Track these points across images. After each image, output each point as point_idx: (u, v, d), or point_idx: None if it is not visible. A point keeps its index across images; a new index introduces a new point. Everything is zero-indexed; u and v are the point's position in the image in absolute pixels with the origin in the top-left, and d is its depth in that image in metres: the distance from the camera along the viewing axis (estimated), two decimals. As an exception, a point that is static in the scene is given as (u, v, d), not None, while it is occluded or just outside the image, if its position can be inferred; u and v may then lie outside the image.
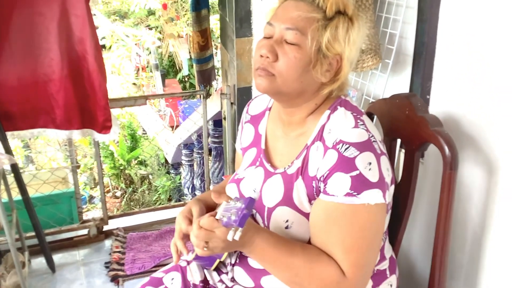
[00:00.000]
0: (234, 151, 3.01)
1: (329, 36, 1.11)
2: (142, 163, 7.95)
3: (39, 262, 2.58)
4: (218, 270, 1.35)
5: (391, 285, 1.27)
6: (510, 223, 1.27)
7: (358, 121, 1.13)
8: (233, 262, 1.28)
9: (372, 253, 1.13)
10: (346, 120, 1.14)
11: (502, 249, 1.30)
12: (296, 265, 1.10)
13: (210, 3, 3.53)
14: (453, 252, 1.43)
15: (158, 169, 7.73)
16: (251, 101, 1.42)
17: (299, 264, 1.10)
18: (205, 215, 1.09)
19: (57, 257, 2.63)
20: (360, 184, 1.06)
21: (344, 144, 1.09)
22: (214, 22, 7.84)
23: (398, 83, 1.64)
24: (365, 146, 1.09)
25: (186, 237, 1.21)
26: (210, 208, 1.23)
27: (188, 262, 1.37)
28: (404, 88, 1.61)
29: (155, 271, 1.41)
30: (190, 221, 1.21)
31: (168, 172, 7.64)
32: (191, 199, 5.33)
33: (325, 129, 1.15)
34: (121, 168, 7.66)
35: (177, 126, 7.77)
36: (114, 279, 2.48)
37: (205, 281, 1.33)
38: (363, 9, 1.58)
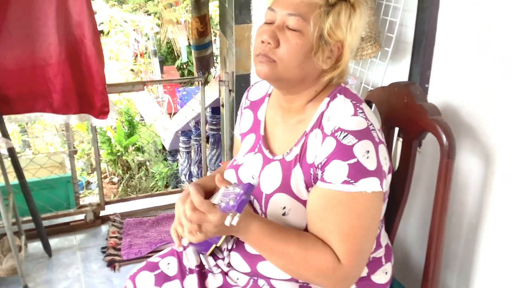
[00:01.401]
0: (231, 138, 3.01)
1: (331, 23, 1.10)
2: (139, 149, 7.94)
3: (36, 246, 2.59)
4: (214, 255, 1.36)
5: (386, 273, 1.28)
6: (506, 213, 1.27)
7: (358, 109, 1.13)
8: (229, 247, 1.28)
9: (368, 240, 1.14)
10: (345, 108, 1.14)
11: (497, 239, 1.31)
12: (292, 252, 1.10)
13: (209, -11, 3.51)
14: (449, 241, 1.44)
15: (156, 156, 7.72)
16: (251, 87, 1.42)
17: (294, 251, 1.10)
18: (200, 197, 1.09)
19: (53, 242, 2.64)
20: (357, 172, 1.06)
21: (343, 132, 1.08)
22: (213, 8, 7.78)
23: (397, 71, 1.63)
24: (363, 134, 1.09)
25: None
26: (208, 193, 1.23)
27: (184, 247, 1.38)
28: (403, 77, 1.61)
29: (152, 256, 1.42)
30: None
31: (165, 159, 7.64)
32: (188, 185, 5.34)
33: (324, 116, 1.15)
34: (118, 154, 7.64)
35: (175, 113, 7.76)
36: (111, 264, 2.49)
37: (200, 266, 1.34)
38: (363, -3, 1.57)
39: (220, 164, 4.25)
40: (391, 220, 1.37)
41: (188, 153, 5.92)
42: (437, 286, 1.33)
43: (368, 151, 1.08)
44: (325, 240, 1.10)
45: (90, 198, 6.72)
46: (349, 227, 1.09)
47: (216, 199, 1.06)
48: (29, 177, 2.63)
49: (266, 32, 1.12)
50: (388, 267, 1.29)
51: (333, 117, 1.13)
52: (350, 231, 1.09)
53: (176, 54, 10.99)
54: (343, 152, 1.07)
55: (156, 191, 6.54)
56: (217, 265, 1.34)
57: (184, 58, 10.48)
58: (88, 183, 7.48)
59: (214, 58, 4.23)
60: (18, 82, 2.33)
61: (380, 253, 1.27)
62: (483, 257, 1.37)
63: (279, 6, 1.13)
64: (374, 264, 1.25)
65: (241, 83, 2.85)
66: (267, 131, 1.30)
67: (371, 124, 1.11)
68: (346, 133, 1.08)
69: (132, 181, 7.45)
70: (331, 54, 1.13)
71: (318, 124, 1.15)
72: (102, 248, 2.62)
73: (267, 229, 1.11)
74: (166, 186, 7.08)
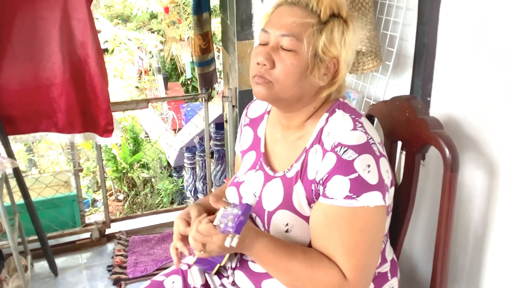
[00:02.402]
0: (235, 154, 3.02)
1: (324, 40, 1.10)
2: (144, 166, 7.95)
3: (42, 265, 2.58)
4: (219, 274, 1.35)
5: (392, 288, 1.27)
6: (511, 225, 1.26)
7: (357, 123, 1.13)
8: (233, 266, 1.28)
9: (373, 255, 1.13)
10: (344, 123, 1.14)
11: (504, 251, 1.30)
12: (297, 269, 1.10)
13: (211, 7, 3.54)
14: (455, 255, 1.43)
15: (161, 172, 7.73)
16: (250, 104, 1.42)
17: (300, 268, 1.10)
18: (203, 219, 1.10)
19: (59, 261, 2.63)
20: (359, 187, 1.06)
21: (343, 147, 1.08)
22: (215, 25, 7.85)
23: (399, 85, 1.64)
24: (363, 148, 1.09)
25: (184, 239, 1.21)
26: (209, 212, 1.23)
27: (189, 266, 1.37)
28: (405, 90, 1.61)
29: (157, 274, 1.41)
30: (188, 223, 1.22)
31: (170, 175, 7.64)
32: (193, 202, 5.33)
33: (323, 132, 1.15)
34: (124, 171, 7.66)
35: (179, 129, 7.77)
36: (117, 282, 2.48)
37: (206, 285, 1.33)
38: (363, 11, 1.58)
39: (224, 180, 4.25)
40: (396, 234, 1.37)
41: (193, 169, 5.92)
42: (444, 300, 1.32)
43: (369, 165, 1.08)
44: (330, 256, 1.10)
45: (96, 216, 6.71)
46: (353, 242, 1.09)
47: (216, 220, 1.07)
48: (34, 196, 2.64)
49: (261, 53, 1.13)
50: (394, 282, 1.28)
51: (333, 132, 1.13)
52: (354, 246, 1.09)
53: (180, 71, 11.05)
54: (344, 167, 1.07)
55: (161, 207, 6.54)
56: (222, 284, 1.33)
57: (188, 74, 10.51)
58: (94, 200, 7.49)
59: (217, 74, 4.26)
60: (22, 102, 2.35)
61: (386, 268, 1.26)
62: (490, 270, 1.35)
63: (272, 27, 1.14)
64: (380, 280, 1.24)
65: (244, 98, 2.87)
66: (268, 148, 1.30)
67: (371, 138, 1.11)
68: (346, 148, 1.08)
69: (137, 198, 7.45)
70: (327, 71, 1.14)
71: (318, 140, 1.15)
72: (108, 266, 2.62)
73: (272, 245, 1.11)
74: (172, 203, 7.08)
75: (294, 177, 1.17)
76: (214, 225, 1.06)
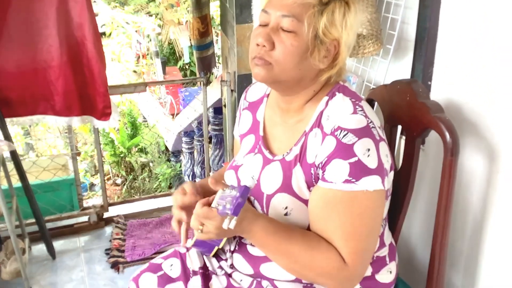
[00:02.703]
0: (234, 138, 3.01)
1: (325, 22, 1.09)
2: (142, 150, 7.94)
3: (40, 248, 2.59)
4: (217, 256, 1.35)
5: (390, 272, 1.27)
6: (510, 210, 1.26)
7: (357, 107, 1.12)
8: (232, 249, 1.28)
9: (371, 239, 1.13)
10: (344, 106, 1.13)
11: (502, 237, 1.30)
12: (296, 252, 1.10)
13: (210, -11, 3.50)
14: (453, 239, 1.43)
15: (159, 157, 7.73)
16: (249, 88, 1.41)
17: (298, 251, 1.09)
18: (200, 201, 1.09)
19: (57, 244, 2.64)
20: (358, 171, 1.06)
21: (343, 131, 1.08)
22: (214, 8, 7.78)
23: (400, 69, 1.63)
24: (363, 132, 1.08)
25: (183, 209, 1.20)
26: (207, 192, 1.23)
27: (188, 249, 1.37)
28: (406, 74, 1.60)
29: (155, 257, 1.41)
30: (185, 194, 1.22)
31: (168, 160, 7.64)
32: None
33: (323, 115, 1.14)
34: (122, 155, 7.65)
35: (177, 114, 7.75)
36: (115, 265, 2.49)
37: (204, 268, 1.33)
38: (364, -6, 1.56)
39: (222, 164, 4.25)
40: (394, 218, 1.36)
41: (191, 153, 5.91)
42: (442, 284, 1.32)
43: (368, 149, 1.07)
44: (328, 240, 1.10)
45: (93, 200, 6.72)
46: (352, 226, 1.08)
47: (214, 202, 1.06)
48: (32, 179, 2.63)
49: (261, 34, 1.11)
50: (392, 266, 1.28)
51: (332, 116, 1.12)
52: (353, 230, 1.09)
53: (178, 55, 10.99)
54: (343, 151, 1.06)
55: (159, 192, 6.54)
56: (220, 267, 1.33)
57: (186, 58, 10.47)
58: (92, 184, 7.49)
59: (216, 58, 4.23)
60: (20, 84, 2.33)
61: (384, 252, 1.26)
62: (488, 255, 1.36)
63: (272, 8, 1.12)
64: (378, 263, 1.24)
65: (243, 83, 2.85)
66: (267, 132, 1.29)
67: (371, 121, 1.11)
68: (346, 132, 1.07)
69: (135, 182, 7.45)
70: (328, 53, 1.13)
71: (318, 124, 1.14)
72: (106, 250, 2.62)
73: (271, 227, 1.10)
74: (170, 187, 7.09)
75: (293, 161, 1.17)
76: (212, 207, 1.05)
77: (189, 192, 1.21)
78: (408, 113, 1.35)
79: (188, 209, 1.17)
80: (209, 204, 1.07)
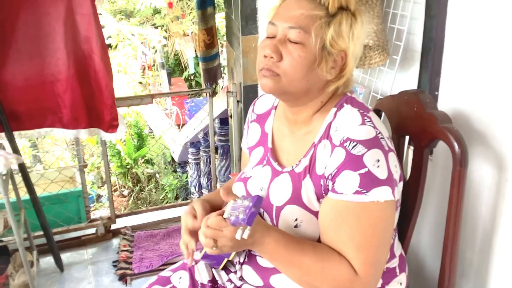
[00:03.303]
0: (240, 149, 3.01)
1: (333, 33, 1.10)
2: (149, 161, 7.97)
3: (48, 261, 2.59)
4: (226, 269, 1.35)
5: (400, 283, 1.26)
6: (521, 220, 1.25)
7: (365, 118, 1.12)
8: (241, 261, 1.27)
9: (383, 250, 1.12)
10: (352, 117, 1.13)
11: (513, 247, 1.29)
12: (308, 264, 1.09)
13: (215, 1, 3.52)
14: (463, 250, 1.42)
15: (165, 168, 7.74)
16: (257, 100, 1.41)
17: (310, 263, 1.09)
18: (212, 213, 1.09)
19: (65, 256, 2.64)
20: (369, 182, 1.05)
21: (352, 142, 1.08)
22: (219, 20, 7.83)
23: (406, 79, 1.63)
24: (372, 143, 1.08)
25: (192, 233, 1.20)
26: (215, 208, 1.23)
27: (196, 262, 1.36)
28: (412, 85, 1.60)
29: (163, 269, 1.41)
30: (195, 218, 1.21)
31: (175, 171, 7.65)
32: (198, 197, 5.32)
33: (331, 127, 1.14)
34: (128, 167, 7.68)
35: (183, 125, 7.77)
36: (122, 277, 2.48)
37: (213, 281, 1.33)
38: (370, 5, 1.57)
39: (230, 176, 4.25)
40: (404, 229, 1.36)
41: (198, 164, 5.91)
42: (452, 296, 1.31)
43: (378, 160, 1.07)
44: (340, 251, 1.09)
45: (100, 211, 6.73)
46: (364, 237, 1.08)
47: (225, 213, 1.06)
48: (40, 192, 2.64)
49: (269, 46, 1.12)
50: (402, 278, 1.27)
51: (341, 127, 1.12)
52: (364, 241, 1.08)
53: (183, 66, 11.05)
54: (353, 162, 1.06)
55: (166, 203, 6.55)
56: (230, 280, 1.32)
57: (191, 69, 10.54)
58: (99, 196, 7.51)
59: (222, 69, 4.24)
60: (27, 98, 2.35)
61: (394, 263, 1.25)
62: (498, 265, 1.34)
63: (279, 20, 1.13)
64: (388, 275, 1.23)
65: (249, 93, 2.86)
66: (275, 144, 1.29)
67: (380, 132, 1.11)
68: (355, 143, 1.07)
69: (142, 193, 7.47)
70: (335, 64, 1.13)
71: (326, 135, 1.14)
72: (114, 261, 2.62)
73: (282, 240, 1.10)
74: (176, 198, 7.09)
75: (302, 172, 1.17)
76: (224, 218, 1.05)
77: (199, 216, 1.21)
78: (416, 124, 1.35)
79: (197, 233, 1.16)
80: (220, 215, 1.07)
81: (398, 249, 1.28)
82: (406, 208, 1.33)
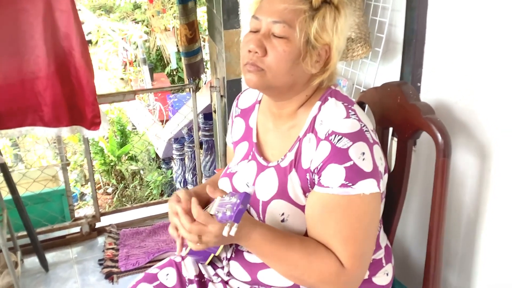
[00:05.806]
0: (225, 144, 3.00)
1: (317, 27, 1.09)
2: (132, 158, 7.91)
3: (32, 261, 2.56)
4: (212, 264, 1.35)
5: (387, 274, 1.27)
6: (503, 208, 1.27)
7: (350, 111, 1.13)
8: (228, 256, 1.27)
9: (369, 242, 1.13)
10: (337, 111, 1.13)
11: (496, 235, 1.31)
12: (295, 258, 1.09)
13: (196, -5, 3.50)
14: (448, 239, 1.44)
15: (149, 164, 7.70)
16: (240, 95, 1.41)
17: (297, 257, 1.09)
18: (194, 200, 1.07)
19: (50, 256, 2.61)
20: (354, 175, 1.06)
21: (337, 135, 1.08)
22: (201, 14, 7.78)
23: (389, 71, 1.63)
24: (357, 136, 1.08)
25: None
26: (201, 201, 1.22)
27: (183, 258, 1.36)
28: (395, 76, 1.61)
29: (150, 266, 1.41)
30: (180, 202, 1.19)
31: (159, 167, 7.61)
32: (183, 193, 5.29)
33: (316, 120, 1.14)
34: (112, 164, 7.61)
35: (166, 121, 7.74)
36: (109, 276, 2.47)
37: (200, 275, 1.32)
38: (352, -2, 1.57)
39: (215, 171, 4.24)
40: (389, 220, 1.37)
41: (182, 160, 5.90)
42: (438, 284, 1.33)
43: (363, 153, 1.07)
44: (326, 245, 1.10)
45: (85, 209, 6.67)
46: (350, 230, 1.08)
47: (212, 209, 1.05)
48: (22, 191, 2.60)
49: (253, 41, 1.11)
50: (388, 268, 1.28)
51: (326, 120, 1.12)
52: (351, 234, 1.09)
53: (165, 61, 10.98)
54: (338, 155, 1.06)
55: (151, 199, 6.52)
56: (216, 274, 1.32)
57: (173, 64, 10.47)
58: (82, 194, 7.44)
59: (204, 64, 4.23)
60: (7, 97, 2.30)
61: (380, 254, 1.26)
62: (483, 253, 1.36)
63: (263, 14, 1.12)
64: (374, 266, 1.24)
65: (233, 88, 2.84)
66: (260, 138, 1.29)
67: (364, 125, 1.11)
68: (340, 136, 1.07)
69: (126, 190, 7.42)
70: (319, 58, 1.13)
71: (311, 129, 1.14)
72: (99, 260, 2.60)
73: (269, 235, 1.10)
74: (161, 195, 7.06)
75: (288, 167, 1.17)
76: (211, 214, 1.04)
77: (183, 199, 1.20)
78: (399, 115, 1.36)
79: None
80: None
81: (383, 240, 1.29)
82: (391, 199, 1.34)
